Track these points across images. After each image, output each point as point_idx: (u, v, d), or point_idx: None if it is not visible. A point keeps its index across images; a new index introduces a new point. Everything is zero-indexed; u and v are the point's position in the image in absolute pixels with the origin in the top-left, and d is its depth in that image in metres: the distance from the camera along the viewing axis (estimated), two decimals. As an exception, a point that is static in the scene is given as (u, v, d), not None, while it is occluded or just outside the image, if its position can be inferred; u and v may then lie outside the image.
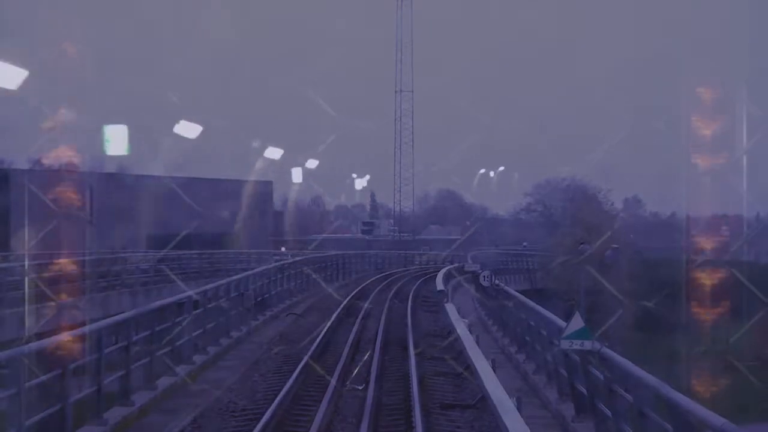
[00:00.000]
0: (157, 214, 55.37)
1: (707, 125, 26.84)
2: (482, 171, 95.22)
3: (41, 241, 34.13)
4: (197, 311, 21.33)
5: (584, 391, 14.46)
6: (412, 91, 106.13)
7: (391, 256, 75.74)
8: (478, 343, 19.66)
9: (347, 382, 18.80)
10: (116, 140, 27.84)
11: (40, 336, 15.57)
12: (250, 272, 31.04)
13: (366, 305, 33.79)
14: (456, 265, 51.13)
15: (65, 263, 31.61)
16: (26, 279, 28.22)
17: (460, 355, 20.38)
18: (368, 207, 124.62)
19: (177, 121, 33.64)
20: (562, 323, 15.09)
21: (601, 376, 13.08)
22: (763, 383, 27.19)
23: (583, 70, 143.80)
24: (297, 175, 61.59)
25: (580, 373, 14.71)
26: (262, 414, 15.19)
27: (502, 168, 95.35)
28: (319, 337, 24.15)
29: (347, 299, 35.04)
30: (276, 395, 16.73)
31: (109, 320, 15.47)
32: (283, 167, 64.82)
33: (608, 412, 12.80)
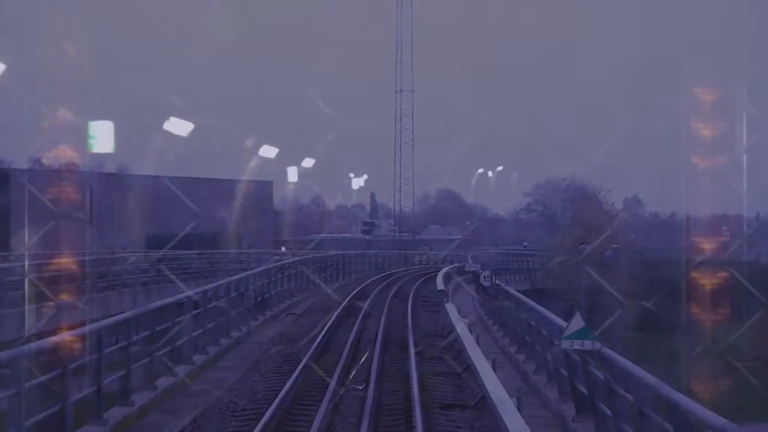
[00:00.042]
0: (157, 214, 55.40)
1: (707, 125, 26.83)
2: (480, 171, 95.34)
3: (41, 241, 34.13)
4: (197, 311, 21.35)
5: (584, 391, 14.46)
6: (412, 91, 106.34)
7: (391, 256, 75.74)
8: (478, 342, 19.65)
9: (347, 382, 18.79)
10: (102, 137, 27.06)
11: (40, 336, 15.56)
12: (250, 272, 31.05)
13: (366, 305, 33.79)
14: (456, 265, 51.10)
15: (65, 263, 31.60)
16: (26, 279, 28.20)
17: (460, 354, 20.38)
18: (368, 207, 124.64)
19: (176, 121, 33.54)
20: (562, 323, 15.08)
21: (602, 376, 13.08)
22: (763, 383, 27.17)
23: (583, 70, 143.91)
24: (292, 174, 61.68)
25: (580, 373, 14.71)
26: (263, 414, 15.19)
27: (500, 168, 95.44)
28: (319, 337, 24.16)
29: (347, 299, 35.04)
30: (276, 395, 16.73)
31: (109, 320, 15.47)
32: (282, 167, 64.92)
33: (608, 412, 12.80)
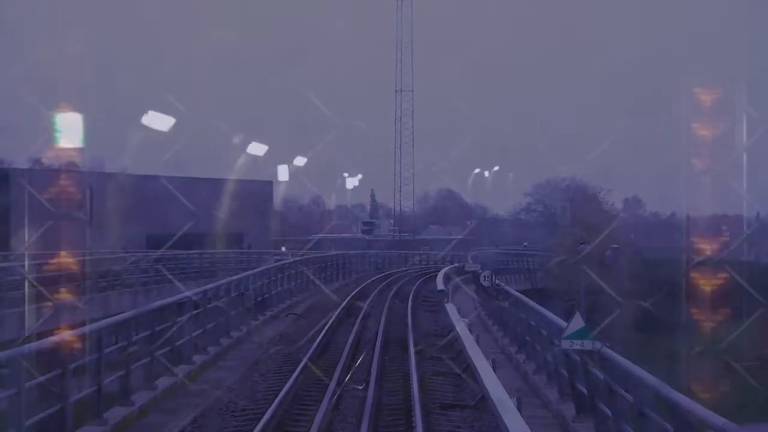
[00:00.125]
0: (157, 214, 55.38)
1: (707, 125, 26.83)
2: (477, 171, 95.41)
3: (41, 241, 34.12)
4: (197, 311, 21.35)
5: (584, 391, 14.46)
6: (412, 91, 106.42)
7: (391, 256, 75.74)
8: (478, 342, 19.64)
9: (347, 382, 18.79)
10: (69, 131, 25.48)
11: (40, 336, 15.56)
12: (250, 272, 31.04)
13: (366, 305, 33.79)
14: (456, 265, 51.08)
15: (65, 263, 31.60)
16: (26, 279, 28.19)
17: (460, 354, 20.38)
18: (368, 207, 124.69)
19: (177, 122, 33.43)
20: (562, 323, 15.08)
21: (602, 376, 13.08)
22: (762, 384, 27.16)
23: (583, 70, 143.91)
24: (283, 173, 61.57)
25: (580, 373, 14.71)
26: (263, 414, 15.19)
27: (496, 168, 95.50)
28: (320, 337, 24.16)
29: (347, 299, 35.03)
30: (276, 395, 16.73)
31: (109, 320, 15.47)
32: (282, 167, 64.85)
33: (608, 412, 12.80)
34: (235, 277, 27.91)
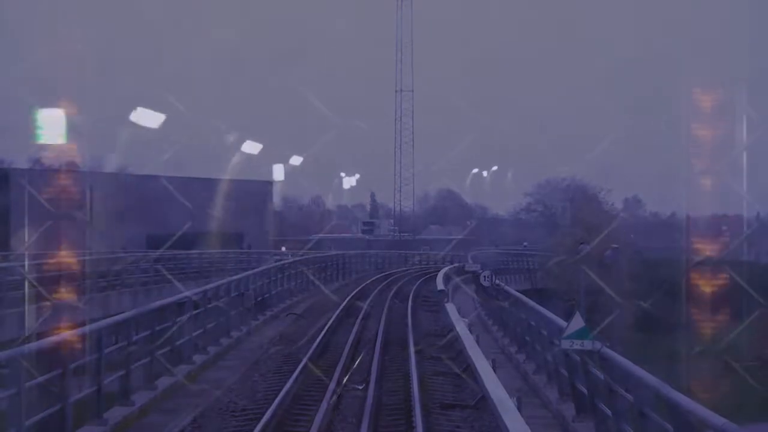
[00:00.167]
0: (157, 214, 55.40)
1: (707, 126, 26.83)
2: (475, 171, 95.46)
3: (41, 241, 34.11)
4: (197, 311, 21.34)
5: (584, 390, 14.46)
6: (412, 91, 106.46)
7: (392, 255, 75.77)
8: (478, 342, 19.64)
9: (347, 382, 18.79)
10: (51, 127, 24.96)
11: (40, 336, 15.57)
12: (250, 272, 31.04)
13: (366, 305, 33.79)
14: (456, 265, 51.08)
15: (65, 263, 31.59)
16: (26, 279, 28.19)
17: (460, 354, 20.38)
18: (368, 207, 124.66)
19: (177, 122, 33.38)
20: (562, 323, 15.07)
21: (602, 376, 13.08)
22: (762, 384, 27.16)
23: (583, 70, 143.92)
24: (279, 172, 61.56)
25: (580, 373, 14.70)
26: (263, 414, 15.19)
27: (495, 168, 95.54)
28: (320, 337, 24.16)
29: (347, 299, 35.04)
30: (276, 395, 16.73)
31: (109, 320, 15.47)
32: (281, 167, 64.88)
33: (609, 412, 12.80)
34: (235, 277, 27.91)
